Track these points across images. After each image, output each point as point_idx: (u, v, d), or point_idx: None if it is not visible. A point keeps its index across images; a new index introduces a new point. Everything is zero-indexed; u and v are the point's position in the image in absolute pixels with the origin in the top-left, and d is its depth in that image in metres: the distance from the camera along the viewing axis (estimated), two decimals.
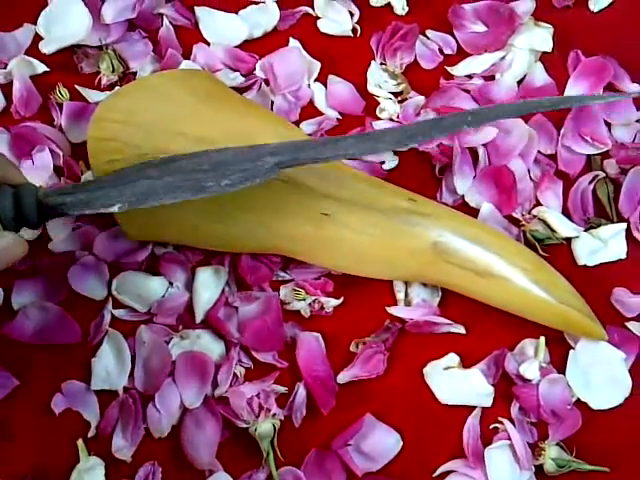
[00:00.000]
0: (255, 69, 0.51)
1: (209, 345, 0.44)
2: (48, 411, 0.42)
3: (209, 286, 0.44)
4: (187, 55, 0.52)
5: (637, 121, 0.50)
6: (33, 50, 0.52)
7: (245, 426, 0.41)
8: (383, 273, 0.45)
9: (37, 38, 0.52)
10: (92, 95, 0.50)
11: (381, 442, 0.42)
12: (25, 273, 0.45)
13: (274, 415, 0.41)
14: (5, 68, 0.51)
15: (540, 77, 0.52)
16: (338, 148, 0.39)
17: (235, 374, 0.43)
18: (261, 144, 0.41)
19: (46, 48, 0.51)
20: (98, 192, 0.37)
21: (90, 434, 0.42)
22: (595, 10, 0.55)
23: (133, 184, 0.38)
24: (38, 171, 0.47)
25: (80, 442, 0.41)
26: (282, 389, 0.42)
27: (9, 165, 0.38)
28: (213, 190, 0.37)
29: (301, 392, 0.42)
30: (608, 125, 0.50)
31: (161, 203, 0.37)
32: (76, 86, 0.50)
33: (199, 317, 0.44)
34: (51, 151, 0.47)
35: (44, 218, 0.37)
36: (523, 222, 0.47)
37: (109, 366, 0.43)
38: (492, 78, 0.52)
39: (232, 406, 0.41)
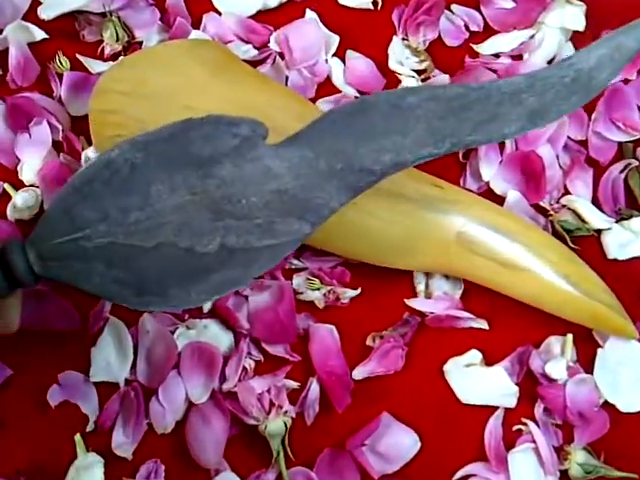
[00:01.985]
0: (269, 42, 0.48)
1: (217, 336, 0.41)
2: (44, 403, 0.40)
3: None
4: (197, 25, 0.49)
5: None
6: (31, 15, 0.49)
7: (254, 423, 0.39)
8: (404, 263, 0.42)
9: (35, 3, 0.49)
10: (94, 65, 0.47)
11: (398, 442, 0.40)
12: None
13: (285, 412, 0.39)
14: (0, 34, 0.47)
15: None
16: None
17: (244, 367, 0.40)
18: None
19: (45, 13, 0.48)
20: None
21: (88, 429, 0.40)
22: None
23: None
24: (36, 146, 0.44)
25: (78, 437, 0.39)
26: (294, 384, 0.40)
27: None
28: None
29: (314, 388, 0.40)
30: None
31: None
32: (77, 55, 0.47)
33: (207, 306, 0.42)
34: (50, 124, 0.44)
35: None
36: (551, 212, 0.44)
37: (110, 356, 0.41)
38: (520, 57, 0.49)
39: (241, 402, 0.39)
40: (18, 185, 0.44)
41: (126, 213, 0.32)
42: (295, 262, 0.43)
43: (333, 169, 0.33)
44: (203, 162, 0.33)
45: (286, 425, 0.39)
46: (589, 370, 0.41)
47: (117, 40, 0.47)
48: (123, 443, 0.39)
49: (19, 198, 0.43)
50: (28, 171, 0.44)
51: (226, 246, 0.33)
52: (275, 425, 0.39)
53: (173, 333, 0.41)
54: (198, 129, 0.33)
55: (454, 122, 0.34)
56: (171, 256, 0.33)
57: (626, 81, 0.48)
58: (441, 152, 0.34)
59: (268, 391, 0.39)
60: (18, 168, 0.45)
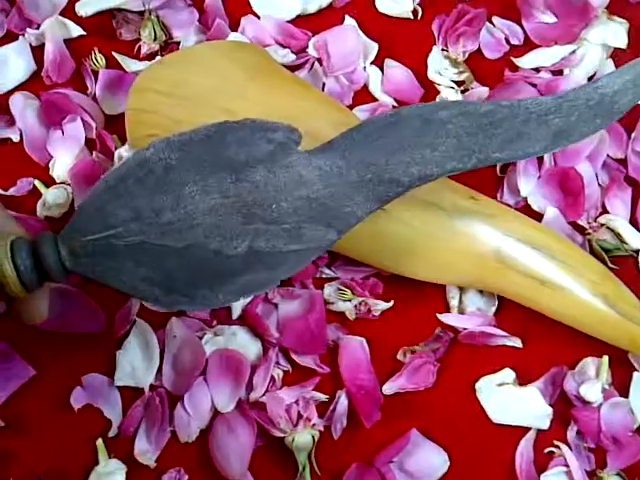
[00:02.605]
0: (307, 47, 0.48)
1: (245, 344, 0.40)
2: (66, 406, 0.39)
3: None
4: (235, 27, 0.48)
5: None
6: (69, 11, 0.49)
7: (281, 435, 0.38)
8: (438, 276, 0.41)
9: None
10: (130, 64, 0.46)
11: (427, 461, 0.39)
12: None
13: (313, 425, 0.38)
14: (37, 29, 0.47)
15: None
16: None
17: (272, 377, 0.39)
18: None
19: (83, 10, 0.48)
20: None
21: (111, 434, 0.39)
22: None
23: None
24: (69, 143, 0.44)
25: (100, 442, 0.38)
26: (322, 397, 0.39)
27: (9, 219, 0.34)
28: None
29: (342, 401, 0.39)
30: None
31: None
32: (113, 53, 0.47)
33: (236, 313, 0.41)
34: (83, 121, 0.44)
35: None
36: (589, 230, 0.43)
37: (135, 361, 0.40)
38: (560, 73, 0.48)
39: (269, 412, 0.38)
40: (49, 182, 0.44)
41: (158, 213, 0.32)
42: (327, 271, 0.42)
43: (363, 179, 0.34)
44: (237, 166, 0.33)
45: (314, 438, 0.38)
46: (624, 394, 0.40)
47: (155, 39, 0.47)
48: (146, 450, 0.38)
49: (50, 195, 0.42)
50: (60, 168, 0.43)
51: (254, 249, 0.33)
52: (302, 438, 0.38)
53: (201, 339, 0.40)
54: (234, 133, 0.33)
55: (482, 138, 0.34)
56: (200, 257, 0.33)
57: None
58: (467, 167, 0.34)
59: (296, 402, 0.38)
60: (50, 165, 0.44)
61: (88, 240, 0.32)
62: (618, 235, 0.43)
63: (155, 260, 0.32)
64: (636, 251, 0.43)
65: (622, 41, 0.48)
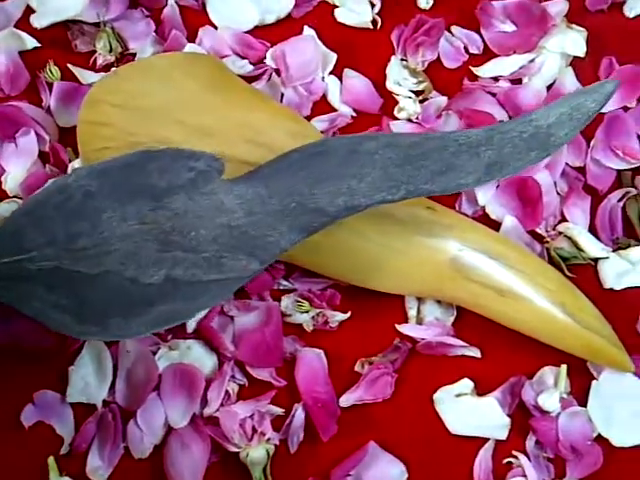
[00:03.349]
0: (265, 58, 0.47)
1: (200, 358, 0.40)
2: (17, 424, 0.38)
3: None
4: (192, 38, 0.48)
5: None
6: (23, 23, 0.48)
7: (235, 450, 0.37)
8: (396, 287, 0.41)
9: (28, 10, 0.49)
10: (86, 76, 0.46)
11: (385, 473, 0.38)
12: None
13: (268, 440, 0.38)
14: None
15: (570, 83, 0.48)
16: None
17: (227, 391, 0.39)
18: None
19: (38, 22, 0.48)
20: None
21: (63, 451, 0.38)
22: (631, 16, 0.52)
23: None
24: (22, 156, 0.43)
25: (51, 460, 0.37)
26: (279, 410, 0.39)
27: None
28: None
29: (299, 414, 0.39)
30: None
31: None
32: (69, 65, 0.47)
33: (191, 326, 0.40)
34: (37, 135, 0.43)
35: None
36: (547, 239, 0.44)
37: (88, 376, 0.39)
38: (519, 82, 0.49)
39: (222, 427, 0.37)
40: (1, 196, 0.43)
41: (74, 239, 0.32)
42: (284, 283, 0.42)
43: (287, 208, 0.33)
44: (157, 193, 0.33)
45: (268, 453, 0.37)
46: (583, 403, 0.40)
47: (110, 51, 0.47)
48: (98, 467, 0.37)
49: (1, 209, 0.42)
50: (12, 182, 0.43)
51: (171, 278, 0.32)
52: (257, 453, 0.37)
53: (155, 354, 0.39)
54: (155, 160, 0.33)
55: (411, 170, 0.34)
56: (115, 285, 0.32)
57: (625, 109, 0.47)
58: (395, 198, 0.34)
59: (251, 417, 0.38)
60: (2, 178, 0.44)
61: (1, 263, 0.31)
62: (576, 244, 0.43)
63: (68, 286, 0.32)
64: (594, 259, 0.43)
65: (581, 49, 0.49)
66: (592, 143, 0.46)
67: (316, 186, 0.33)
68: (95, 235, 0.32)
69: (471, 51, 0.50)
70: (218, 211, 0.33)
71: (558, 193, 0.45)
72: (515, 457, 0.39)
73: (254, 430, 0.37)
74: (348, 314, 0.41)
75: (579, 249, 0.43)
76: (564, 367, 0.40)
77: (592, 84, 0.37)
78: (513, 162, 0.35)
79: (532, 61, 0.48)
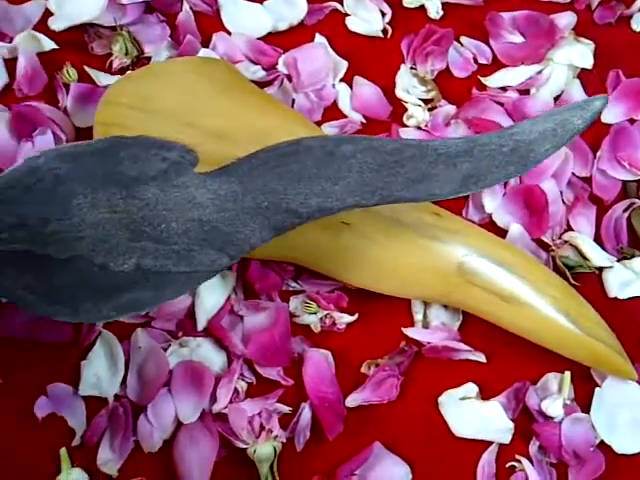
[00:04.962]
0: (277, 64, 0.48)
1: (210, 355, 0.40)
2: (30, 415, 0.39)
3: (214, 291, 0.41)
4: (206, 43, 0.49)
5: None
6: (42, 26, 0.49)
7: (243, 446, 0.38)
8: (402, 291, 0.42)
9: (47, 13, 0.49)
10: (102, 78, 0.47)
11: (389, 474, 0.39)
12: None
13: (276, 437, 0.38)
14: (10, 42, 0.48)
15: (577, 95, 0.49)
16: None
17: (236, 389, 0.39)
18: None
19: (56, 24, 0.48)
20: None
21: (74, 443, 0.38)
22: (638, 29, 0.53)
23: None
24: None
25: (63, 451, 0.38)
26: (286, 409, 0.39)
27: None
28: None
29: (306, 413, 0.39)
30: None
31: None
32: (85, 67, 0.47)
33: (201, 324, 0.41)
34: (54, 134, 0.44)
35: None
36: (553, 247, 0.44)
37: (100, 371, 0.40)
38: (527, 92, 0.49)
39: (231, 424, 0.38)
40: None
41: (44, 223, 0.32)
42: (293, 284, 0.43)
43: (259, 207, 0.33)
44: (128, 182, 0.33)
45: (275, 450, 0.38)
46: (586, 409, 0.40)
47: (126, 54, 0.47)
48: (109, 460, 0.38)
49: None
50: None
51: (141, 267, 0.33)
52: (265, 450, 0.38)
53: (165, 350, 0.40)
54: (127, 148, 0.33)
55: (387, 176, 0.33)
56: (85, 271, 0.32)
57: (632, 121, 0.48)
58: (370, 203, 0.34)
59: (259, 414, 0.38)
60: None
61: None
62: (581, 252, 0.44)
63: (39, 269, 0.32)
64: (599, 268, 0.44)
65: (588, 61, 0.49)
66: (598, 154, 0.47)
67: (289, 185, 0.33)
68: (65, 220, 0.32)
69: (480, 61, 0.50)
70: (189, 205, 0.33)
71: (564, 202, 0.46)
72: (518, 461, 0.39)
73: (262, 427, 0.38)
74: (355, 316, 0.42)
75: (584, 258, 0.44)
76: (568, 374, 0.41)
77: (579, 100, 0.36)
78: (490, 175, 0.34)
79: (540, 72, 0.49)
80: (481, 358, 0.42)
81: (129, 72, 0.47)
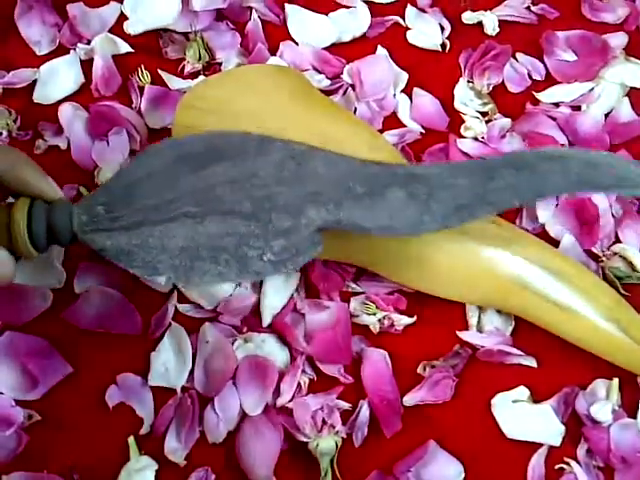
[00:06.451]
0: (342, 73, 0.50)
1: (274, 351, 0.42)
2: (101, 403, 0.40)
3: (279, 290, 0.43)
4: (273, 51, 0.51)
5: None
6: (118, 29, 0.51)
7: (305, 440, 0.39)
8: (460, 296, 0.43)
9: (122, 18, 0.51)
10: (174, 82, 0.49)
11: (443, 471, 0.40)
12: (91, 256, 0.43)
13: (337, 432, 0.39)
14: (88, 44, 0.49)
15: (626, 113, 0.51)
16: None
17: (299, 384, 0.41)
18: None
19: (132, 29, 0.50)
20: (138, 238, 0.35)
21: (143, 431, 0.40)
22: None
23: (174, 237, 0.36)
24: (113, 153, 0.45)
25: (132, 439, 0.39)
26: (346, 405, 0.41)
27: (44, 179, 0.36)
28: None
29: (364, 411, 0.41)
30: None
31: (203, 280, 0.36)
32: (159, 70, 0.49)
33: (266, 321, 0.42)
34: (128, 133, 0.46)
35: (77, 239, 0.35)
36: (602, 258, 0.45)
37: (168, 362, 0.41)
38: (579, 108, 0.51)
39: (295, 418, 0.39)
40: (93, 189, 0.45)
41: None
42: (353, 285, 0.44)
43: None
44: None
45: (337, 444, 0.39)
46: (633, 415, 0.41)
47: (199, 59, 0.49)
48: (176, 449, 0.39)
49: None
50: (104, 176, 0.45)
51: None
52: (326, 444, 0.39)
53: (232, 345, 0.41)
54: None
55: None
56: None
57: None
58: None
59: (321, 409, 0.39)
60: (95, 172, 0.46)
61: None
62: (630, 263, 0.45)
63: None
64: None
65: (638, 81, 0.51)
66: None
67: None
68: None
69: (534, 77, 0.52)
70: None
71: (613, 215, 0.47)
72: (567, 464, 0.40)
73: (324, 422, 0.39)
74: (413, 319, 0.43)
75: (633, 269, 0.45)
76: (616, 380, 0.42)
77: None
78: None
79: (591, 90, 0.51)
80: (532, 363, 0.43)
81: (201, 77, 0.49)
